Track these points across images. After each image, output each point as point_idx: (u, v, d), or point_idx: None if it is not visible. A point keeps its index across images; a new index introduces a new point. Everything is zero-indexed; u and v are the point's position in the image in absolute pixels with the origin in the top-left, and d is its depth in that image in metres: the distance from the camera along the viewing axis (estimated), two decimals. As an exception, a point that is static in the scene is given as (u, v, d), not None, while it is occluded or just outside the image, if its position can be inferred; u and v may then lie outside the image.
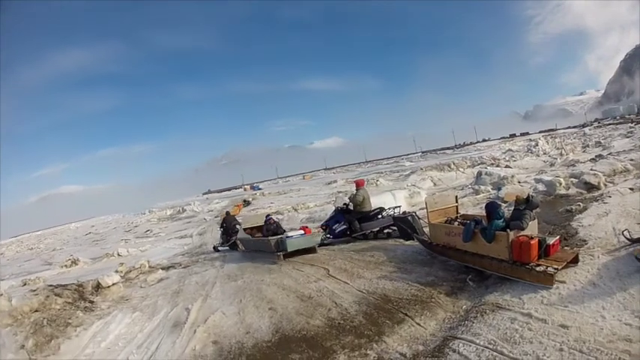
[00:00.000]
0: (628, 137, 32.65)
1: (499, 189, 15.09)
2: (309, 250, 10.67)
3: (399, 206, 12.00)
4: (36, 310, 8.03)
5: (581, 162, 19.10)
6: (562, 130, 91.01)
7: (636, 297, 4.85)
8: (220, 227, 15.05)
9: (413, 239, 9.46)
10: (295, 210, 23.94)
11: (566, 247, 6.93)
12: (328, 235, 11.89)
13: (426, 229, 9.04)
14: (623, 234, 6.73)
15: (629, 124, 56.63)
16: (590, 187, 12.06)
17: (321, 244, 11.48)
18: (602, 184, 12.01)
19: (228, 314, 7.33)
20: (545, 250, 6.19)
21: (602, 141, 33.88)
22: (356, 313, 6.44)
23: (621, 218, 8.11)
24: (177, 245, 19.60)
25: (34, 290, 9.16)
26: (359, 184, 12.43)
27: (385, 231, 11.29)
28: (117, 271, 11.48)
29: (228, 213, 16.81)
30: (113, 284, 10.34)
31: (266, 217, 12.86)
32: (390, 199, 16.61)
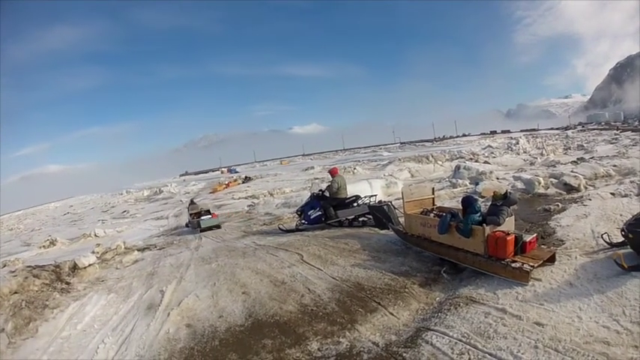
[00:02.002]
0: (612, 143, 32.82)
1: (477, 184, 15.27)
2: (217, 227, 14.73)
3: (375, 195, 12.00)
4: (15, 292, 7.91)
5: (562, 163, 19.26)
6: (544, 131, 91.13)
7: (614, 300, 4.85)
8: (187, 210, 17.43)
9: (388, 228, 9.51)
10: (271, 195, 24.00)
11: (542, 246, 6.97)
12: (303, 221, 11.93)
13: (402, 219, 9.07)
14: (602, 237, 6.77)
15: (615, 131, 56.96)
16: (570, 188, 12.12)
17: (296, 230, 11.72)
18: (582, 187, 12.07)
19: (202, 297, 7.27)
20: (521, 247, 6.20)
21: (585, 145, 34.15)
22: (329, 300, 6.44)
23: (601, 222, 8.16)
24: (153, 226, 19.51)
25: (13, 272, 9.00)
26: (333, 173, 12.42)
27: (360, 219, 11.36)
28: (93, 252, 11.35)
29: (192, 200, 20.50)
30: (89, 265, 10.24)
31: (190, 201, 17.94)
32: (366, 187, 16.76)
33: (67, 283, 9.11)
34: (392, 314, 5.70)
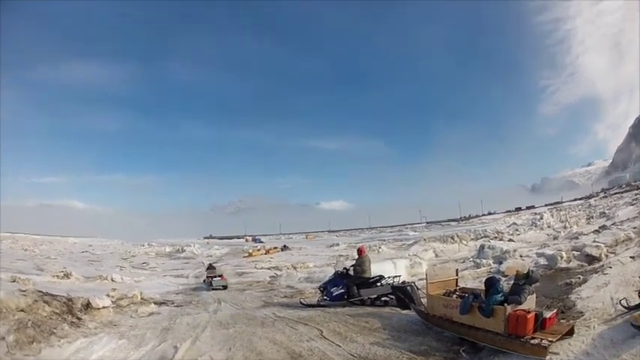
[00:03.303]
0: (633, 205, 32.67)
1: (500, 262, 15.04)
2: (225, 287, 17.20)
3: (399, 275, 11.93)
4: (22, 310, 7.99)
5: (585, 234, 19.07)
6: (568, 203, 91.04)
7: None
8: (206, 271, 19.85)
9: (410, 309, 9.43)
10: (294, 268, 23.82)
11: (562, 320, 6.91)
12: (325, 297, 11.87)
13: (424, 300, 9.01)
14: (620, 303, 6.78)
15: (635, 192, 56.35)
16: (592, 259, 12.05)
17: (317, 305, 11.63)
18: (603, 255, 12.01)
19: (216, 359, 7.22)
20: (541, 324, 6.17)
21: (606, 211, 33.89)
22: (346, 377, 6.25)
23: (620, 287, 8.16)
24: (172, 283, 19.65)
25: (24, 291, 9.14)
26: (361, 252, 12.39)
27: (383, 299, 11.21)
28: (108, 296, 11.39)
29: (210, 264, 22.16)
30: (103, 307, 10.26)
31: (209, 265, 21.20)
32: (390, 267, 16.49)
33: (78, 319, 9.14)
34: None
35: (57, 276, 17.12)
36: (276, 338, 8.40)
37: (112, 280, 17.91)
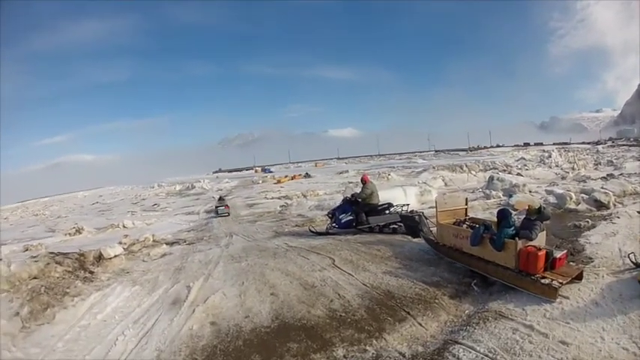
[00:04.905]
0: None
1: (510, 196, 15.04)
2: (228, 214, 20.28)
3: (408, 204, 11.92)
4: (34, 277, 8.04)
5: (592, 179, 18.85)
6: (576, 145, 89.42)
7: (635, 322, 4.83)
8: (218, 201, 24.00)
9: (419, 237, 9.47)
10: (305, 196, 23.86)
11: (571, 263, 6.89)
12: (334, 224, 11.93)
13: (434, 229, 9.02)
14: (629, 257, 6.66)
15: None
16: (600, 205, 11.91)
17: (327, 233, 11.70)
18: (611, 204, 11.88)
19: (229, 296, 7.32)
20: (551, 263, 6.16)
21: (614, 160, 33.25)
22: (358, 306, 6.43)
23: (628, 240, 8.05)
24: (184, 221, 19.67)
25: (35, 257, 9.17)
26: (365, 180, 12.36)
27: (391, 226, 11.28)
28: (120, 243, 11.49)
29: (221, 197, 26.85)
30: (115, 256, 10.39)
31: (219, 197, 26.12)
32: (400, 194, 16.66)
33: (91, 272, 9.25)
34: (420, 325, 5.67)
35: (69, 234, 17.21)
36: (288, 269, 8.59)
37: (124, 227, 18.02)
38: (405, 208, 11.47)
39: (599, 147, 70.10)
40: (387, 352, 5.06)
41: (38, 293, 7.30)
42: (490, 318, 5.52)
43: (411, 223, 9.99)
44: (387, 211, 11.69)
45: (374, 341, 5.35)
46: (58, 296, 7.44)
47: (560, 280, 5.85)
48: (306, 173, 52.17)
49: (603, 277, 6.26)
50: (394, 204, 11.89)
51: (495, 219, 7.14)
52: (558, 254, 6.24)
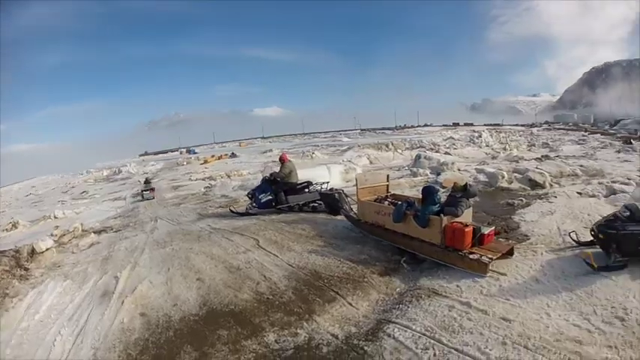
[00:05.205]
0: (580, 144, 32.21)
1: (438, 174, 15.27)
2: (153, 198, 19.76)
3: (327, 182, 12.06)
4: None
5: (526, 159, 19.23)
6: (508, 126, 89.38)
7: (584, 299, 4.80)
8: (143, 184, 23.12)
9: (340, 214, 9.58)
10: (228, 177, 23.79)
11: (500, 239, 6.98)
12: (254, 204, 11.88)
13: (355, 207, 9.07)
14: (570, 235, 6.70)
15: (583, 132, 55.48)
16: (535, 184, 12.07)
17: (247, 213, 11.72)
18: (547, 184, 12.03)
19: (156, 284, 7.05)
20: (479, 239, 6.22)
21: (550, 143, 33.86)
22: (285, 288, 6.33)
23: (567, 219, 8.12)
24: (111, 208, 18.98)
25: None
26: (283, 159, 12.32)
27: (311, 205, 11.34)
28: (51, 235, 10.97)
29: (147, 179, 25.29)
30: (47, 249, 9.83)
31: (145, 180, 24.72)
32: (325, 172, 16.78)
33: (26, 269, 8.73)
34: (351, 304, 5.59)
35: (6, 229, 16.28)
36: (213, 252, 8.39)
37: (55, 218, 17.18)
38: (324, 186, 11.58)
39: (534, 129, 71.20)
40: (320, 335, 4.95)
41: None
42: (423, 295, 5.48)
43: (331, 201, 10.20)
44: (307, 190, 11.73)
45: (305, 324, 5.23)
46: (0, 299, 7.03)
47: (490, 256, 5.88)
48: (232, 153, 52.92)
49: (542, 254, 6.29)
50: (314, 182, 11.96)
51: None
52: (486, 230, 6.29)
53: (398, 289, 5.91)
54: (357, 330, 4.96)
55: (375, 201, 8.34)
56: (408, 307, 5.25)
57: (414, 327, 4.74)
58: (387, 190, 9.05)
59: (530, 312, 4.67)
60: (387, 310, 5.33)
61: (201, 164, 41.95)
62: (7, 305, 6.83)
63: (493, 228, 6.53)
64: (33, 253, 9.51)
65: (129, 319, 5.96)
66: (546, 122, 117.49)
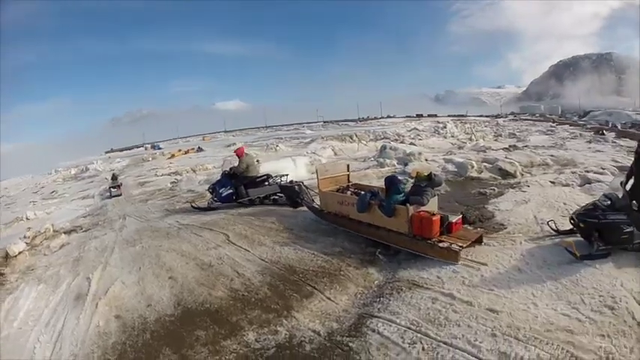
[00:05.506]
0: (548, 135, 32.35)
1: (406, 164, 15.39)
2: (119, 195, 18.90)
3: (287, 174, 12.05)
4: None
5: (494, 149, 19.41)
6: (473, 117, 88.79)
7: (570, 288, 4.79)
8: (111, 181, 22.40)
9: (301, 206, 9.74)
10: (194, 171, 23.56)
11: (468, 227, 7.11)
12: (215, 199, 11.88)
13: (317, 198, 9.08)
14: (548, 224, 6.73)
15: (551, 123, 55.04)
16: (506, 174, 12.20)
17: (209, 208, 11.71)
18: (518, 173, 12.16)
19: (128, 284, 6.89)
20: (447, 228, 6.28)
21: (517, 133, 33.97)
22: (260, 284, 6.25)
23: (542, 208, 8.18)
24: (80, 206, 18.48)
25: None
26: (239, 154, 12.24)
27: (272, 197, 11.39)
28: (24, 237, 10.65)
29: (114, 175, 24.75)
30: (20, 253, 9.61)
31: (112, 175, 23.97)
32: (290, 164, 16.78)
33: (1, 275, 8.50)
34: (329, 299, 5.54)
35: None
36: (183, 249, 8.25)
37: (27, 219, 16.75)
38: (284, 178, 11.61)
39: (500, 120, 71.40)
40: (301, 332, 4.87)
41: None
42: (404, 288, 5.46)
43: (291, 193, 10.34)
44: (267, 183, 11.72)
45: (284, 321, 5.16)
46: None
47: (460, 244, 5.94)
48: (199, 147, 52.35)
49: (521, 243, 6.32)
50: (274, 175, 11.94)
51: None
52: (454, 219, 6.38)
53: (376, 282, 5.88)
54: (339, 325, 4.90)
55: (337, 191, 8.40)
56: (390, 300, 5.22)
57: (398, 321, 4.70)
58: (348, 179, 9.17)
59: (516, 302, 4.65)
60: (367, 304, 5.28)
61: (168, 159, 41.53)
62: (-14, 313, 6.60)
63: (460, 216, 6.63)
64: (7, 257, 9.34)
65: (104, 323, 5.80)
66: (512, 113, 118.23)
